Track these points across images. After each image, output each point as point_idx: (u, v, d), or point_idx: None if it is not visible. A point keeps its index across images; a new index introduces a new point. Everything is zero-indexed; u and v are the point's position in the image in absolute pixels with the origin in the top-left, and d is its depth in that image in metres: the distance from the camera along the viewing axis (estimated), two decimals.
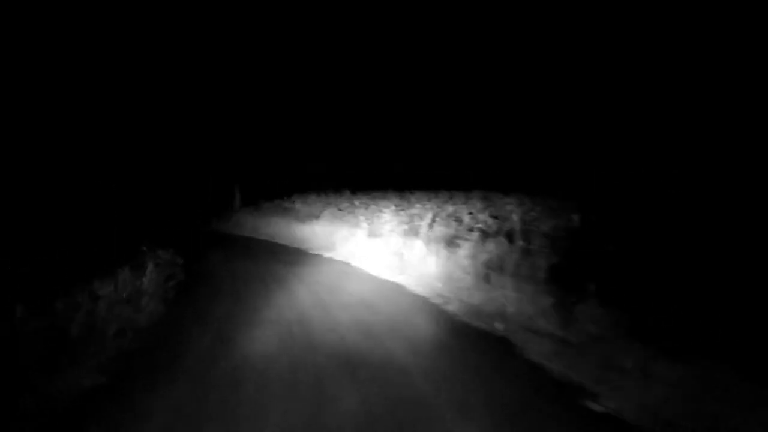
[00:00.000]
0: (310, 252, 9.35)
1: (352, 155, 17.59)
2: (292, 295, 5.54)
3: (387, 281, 6.33)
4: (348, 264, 7.91)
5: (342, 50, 16.20)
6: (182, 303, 5.29)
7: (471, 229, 8.47)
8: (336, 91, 17.01)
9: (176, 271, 5.89)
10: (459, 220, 10.07)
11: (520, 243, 6.40)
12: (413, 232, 9.30)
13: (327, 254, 8.98)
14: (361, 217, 11.20)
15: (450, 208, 11.67)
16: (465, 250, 6.04)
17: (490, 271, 5.37)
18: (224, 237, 12.49)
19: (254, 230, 12.66)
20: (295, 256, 8.83)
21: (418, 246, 6.85)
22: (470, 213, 10.89)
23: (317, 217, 11.79)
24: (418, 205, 11.96)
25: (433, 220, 9.81)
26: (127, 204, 14.28)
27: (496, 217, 10.16)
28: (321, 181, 16.37)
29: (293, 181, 17.30)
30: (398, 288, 5.90)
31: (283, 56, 15.60)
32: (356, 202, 12.87)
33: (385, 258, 7.46)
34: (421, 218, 10.42)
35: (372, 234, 9.35)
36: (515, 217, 9.69)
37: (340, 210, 12.17)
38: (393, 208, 11.82)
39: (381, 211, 11.50)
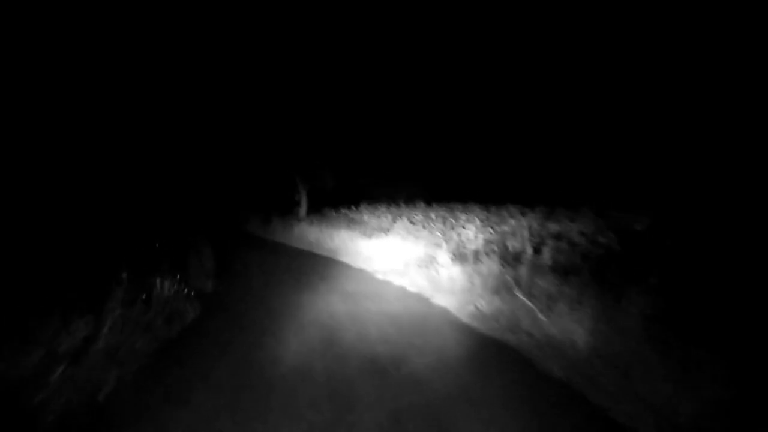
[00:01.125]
0: (377, 276, 7.49)
1: (427, 160, 15.64)
2: (341, 376, 3.65)
3: (499, 345, 4.13)
4: (427, 301, 5.85)
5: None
6: (127, 403, 3.04)
7: (601, 261, 6.00)
8: (410, 92, 15.25)
9: (181, 308, 4.33)
10: (572, 244, 7.61)
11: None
12: (513, 257, 7.04)
13: (398, 281, 7.04)
14: (438, 234, 9.19)
15: (553, 227, 9.10)
16: (630, 299, 3.67)
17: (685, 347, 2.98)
18: (283, 251, 11.22)
19: (316, 244, 11.26)
20: (357, 283, 7.02)
21: (542, 285, 4.59)
22: (582, 233, 8.32)
23: (387, 230, 10.01)
24: (511, 221, 9.60)
25: (541, 242, 7.43)
26: (139, 209, 12.78)
27: (622, 240, 7.51)
28: (392, 189, 14.67)
29: (361, 188, 15.86)
30: (522, 365, 3.67)
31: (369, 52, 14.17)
32: (432, 215, 10.89)
33: (480, 297, 5.30)
34: (516, 237, 8.13)
35: (456, 256, 7.25)
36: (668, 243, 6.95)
37: (412, 223, 10.27)
38: (478, 223, 9.60)
39: (463, 227, 9.38)
